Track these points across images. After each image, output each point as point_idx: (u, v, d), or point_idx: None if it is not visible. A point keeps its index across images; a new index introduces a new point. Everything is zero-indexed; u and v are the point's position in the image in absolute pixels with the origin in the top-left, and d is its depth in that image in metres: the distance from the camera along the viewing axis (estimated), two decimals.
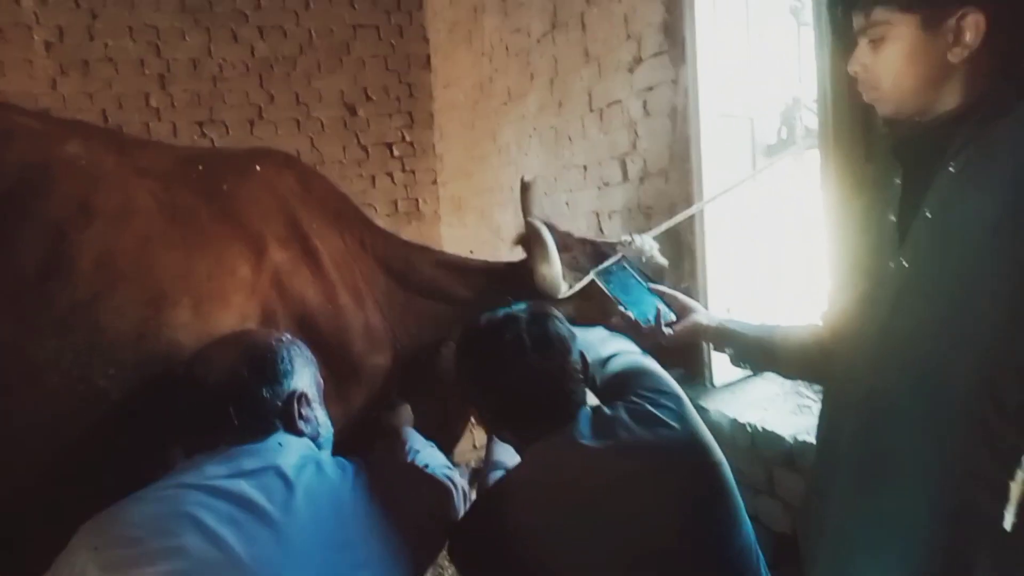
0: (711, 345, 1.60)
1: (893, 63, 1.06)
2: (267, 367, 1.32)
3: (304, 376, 1.36)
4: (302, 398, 1.33)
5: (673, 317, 1.45)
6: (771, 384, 2.39)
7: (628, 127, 2.70)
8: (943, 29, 1.01)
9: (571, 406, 1.29)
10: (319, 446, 1.34)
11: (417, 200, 5.92)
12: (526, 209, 2.05)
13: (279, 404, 1.30)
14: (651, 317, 1.42)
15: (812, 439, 1.88)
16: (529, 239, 1.84)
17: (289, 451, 1.25)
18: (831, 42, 1.46)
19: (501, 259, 4.51)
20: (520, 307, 1.36)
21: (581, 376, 1.32)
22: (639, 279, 1.51)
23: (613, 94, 2.79)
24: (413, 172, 5.88)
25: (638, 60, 2.55)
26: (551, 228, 1.96)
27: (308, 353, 1.42)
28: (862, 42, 1.10)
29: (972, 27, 0.99)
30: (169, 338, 1.47)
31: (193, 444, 1.29)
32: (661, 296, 1.48)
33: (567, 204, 3.35)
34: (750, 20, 2.20)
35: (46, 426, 1.36)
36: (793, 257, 2.26)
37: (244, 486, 1.17)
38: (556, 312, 1.38)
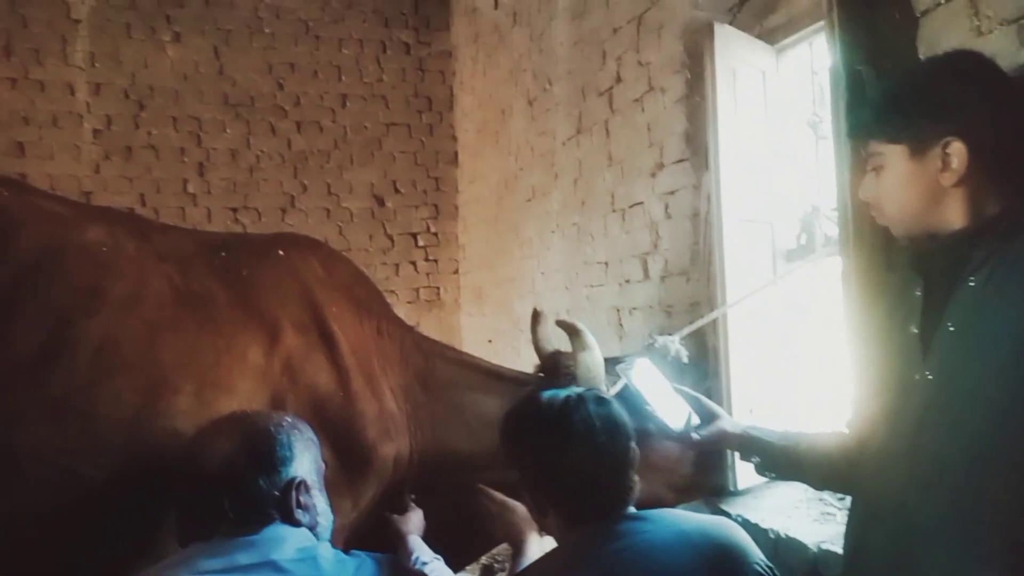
0: (736, 453, 1.58)
1: (892, 190, 1.14)
2: (264, 455, 1.28)
3: (304, 462, 1.33)
4: (301, 486, 1.29)
5: (698, 421, 1.45)
6: (794, 490, 2.34)
7: (650, 228, 2.78)
8: (930, 156, 1.08)
9: (627, 492, 1.27)
10: (317, 535, 1.30)
11: (439, 288, 6.01)
12: (536, 338, 2.09)
13: (276, 494, 1.26)
14: (680, 421, 1.41)
15: (836, 548, 1.83)
16: (567, 334, 1.86)
17: (286, 544, 1.21)
18: (850, 154, 1.53)
19: (519, 347, 4.54)
20: (577, 389, 1.34)
21: (636, 464, 1.31)
22: (666, 380, 1.52)
23: (635, 196, 2.89)
24: (436, 261, 6.00)
25: (660, 166, 2.66)
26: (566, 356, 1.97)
27: (310, 434, 1.39)
28: (868, 171, 1.18)
29: (957, 154, 1.06)
30: (165, 426, 1.44)
31: (187, 532, 1.25)
32: (689, 399, 1.48)
33: (587, 299, 3.41)
34: (770, 131, 2.30)
35: (27, 515, 1.33)
36: (814, 360, 2.26)
37: None
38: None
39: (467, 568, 1.95)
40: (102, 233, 1.58)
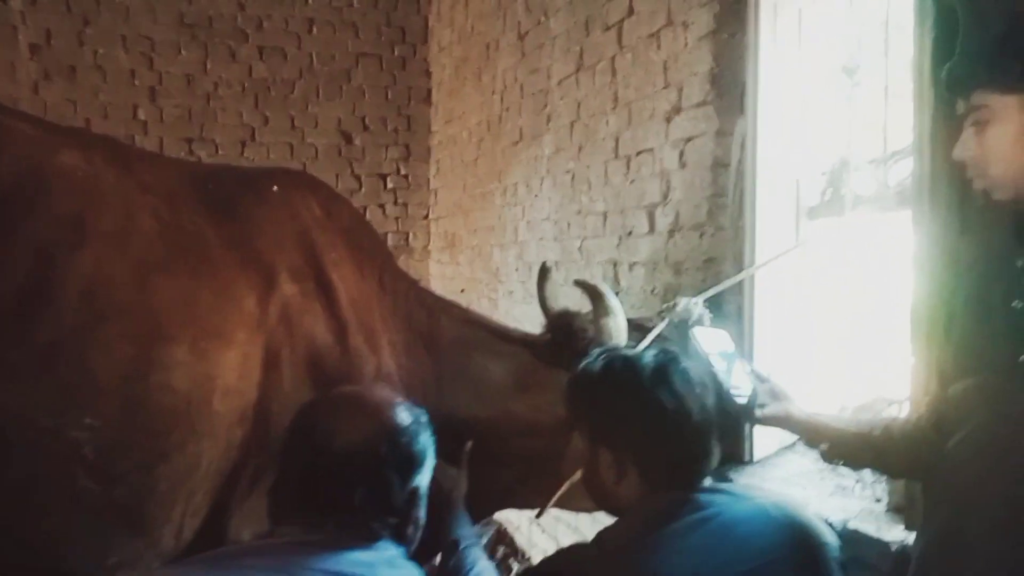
0: (801, 438, 1.45)
1: (1000, 148, 1.02)
2: (405, 454, 1.07)
3: (428, 470, 1.12)
4: (421, 498, 1.11)
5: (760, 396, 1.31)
6: (803, 459, 2.25)
7: (660, 177, 2.59)
8: None
9: (711, 460, 1.18)
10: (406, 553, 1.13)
11: (408, 234, 5.78)
12: (542, 293, 1.96)
13: (402, 501, 1.06)
14: (743, 392, 1.28)
15: (865, 528, 1.74)
16: (589, 297, 1.73)
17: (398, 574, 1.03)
18: (933, 105, 1.36)
19: (497, 299, 4.36)
20: (654, 349, 1.25)
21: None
22: (732, 343, 1.38)
23: (644, 142, 2.69)
24: (405, 205, 5.76)
25: (677, 109, 2.45)
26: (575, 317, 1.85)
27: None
28: (966, 128, 1.05)
29: None
30: (160, 381, 1.31)
31: (290, 508, 1.05)
32: (751, 373, 1.35)
33: (580, 251, 3.23)
34: (802, 75, 2.11)
35: (9, 490, 1.19)
36: (842, 325, 2.14)
37: None
38: None
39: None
40: (78, 158, 1.37)
